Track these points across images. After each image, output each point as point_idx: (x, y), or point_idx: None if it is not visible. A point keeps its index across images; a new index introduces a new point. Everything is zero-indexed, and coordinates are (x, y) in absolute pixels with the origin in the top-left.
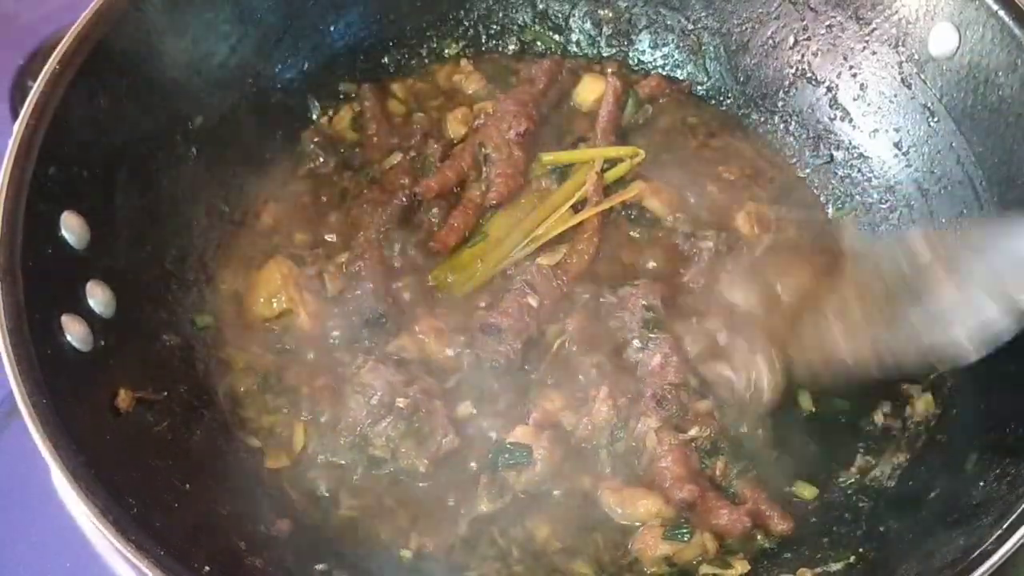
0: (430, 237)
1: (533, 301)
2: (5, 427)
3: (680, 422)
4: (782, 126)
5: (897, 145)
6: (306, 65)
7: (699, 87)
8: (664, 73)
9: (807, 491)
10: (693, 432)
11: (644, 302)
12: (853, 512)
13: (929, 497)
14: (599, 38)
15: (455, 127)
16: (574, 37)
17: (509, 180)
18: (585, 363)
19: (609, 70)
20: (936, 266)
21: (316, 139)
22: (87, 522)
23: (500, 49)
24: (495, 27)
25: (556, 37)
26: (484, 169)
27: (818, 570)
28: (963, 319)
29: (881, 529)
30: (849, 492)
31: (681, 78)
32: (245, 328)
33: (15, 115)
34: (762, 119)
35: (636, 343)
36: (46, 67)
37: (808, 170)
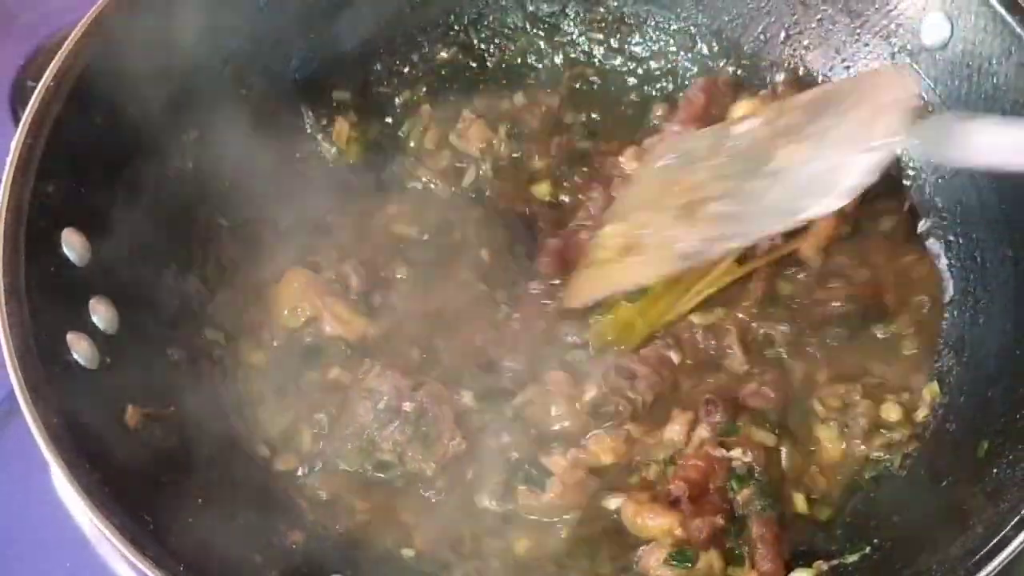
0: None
1: (675, 357)
2: (5, 427)
3: (726, 439)
4: None
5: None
6: (298, 75)
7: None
8: None
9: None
10: (735, 452)
11: None
12: (865, 503)
13: (942, 485)
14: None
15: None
16: (566, 39)
17: None
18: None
19: None
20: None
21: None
22: (87, 522)
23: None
24: (486, 32)
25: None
26: None
27: (834, 562)
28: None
29: (895, 519)
30: (859, 483)
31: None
32: (253, 338)
33: (15, 115)
34: None
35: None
36: (40, 83)
37: None
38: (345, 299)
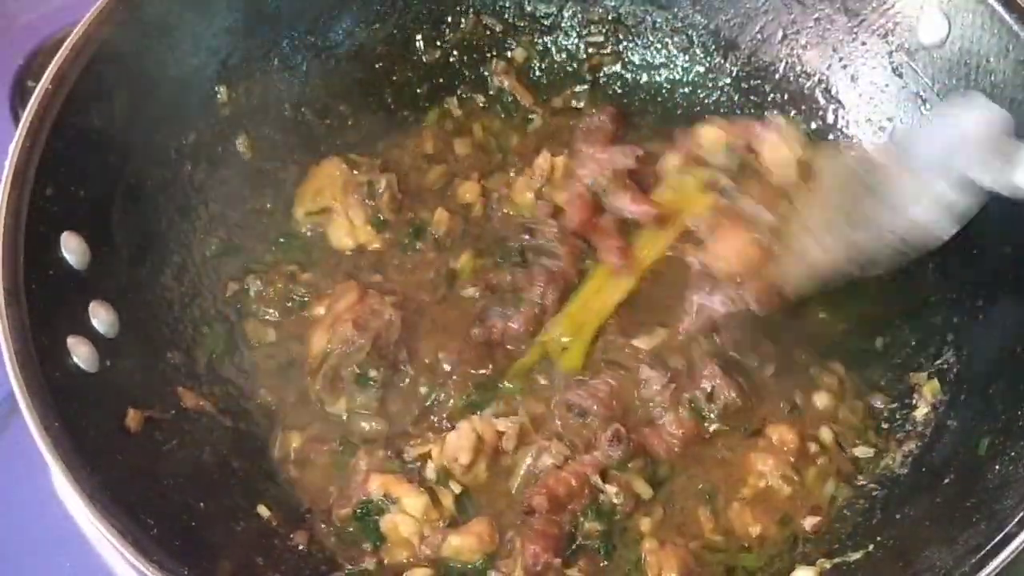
0: None
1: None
2: (4, 427)
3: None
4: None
5: (892, 135)
6: (296, 82)
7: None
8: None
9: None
10: (610, 488)
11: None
12: (868, 500)
13: (944, 483)
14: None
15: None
16: (561, 41)
17: (640, 202)
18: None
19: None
20: (889, 164)
21: None
22: (87, 522)
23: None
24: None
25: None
26: (604, 202)
27: (836, 560)
28: (917, 199)
29: (897, 516)
30: (861, 482)
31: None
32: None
33: (14, 115)
34: (754, 114)
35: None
36: (38, 86)
37: None
38: (365, 206)
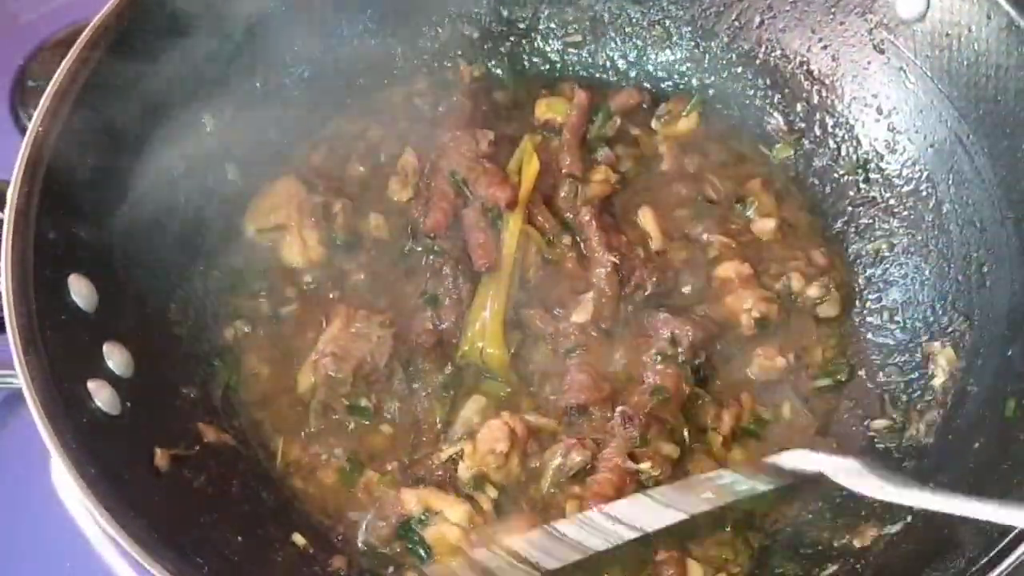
0: None
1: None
2: (3, 427)
3: (636, 452)
4: (759, 104)
5: (878, 110)
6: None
7: (670, 77)
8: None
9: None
10: (644, 466)
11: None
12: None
13: (974, 447)
14: (563, 39)
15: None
16: (539, 42)
17: (500, 186)
18: None
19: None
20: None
21: None
22: (87, 522)
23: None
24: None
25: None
26: (468, 193)
27: (873, 532)
28: None
29: (931, 486)
30: (888, 453)
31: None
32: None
33: (14, 114)
34: (739, 100)
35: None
36: (29, 128)
37: (791, 150)
38: (320, 225)
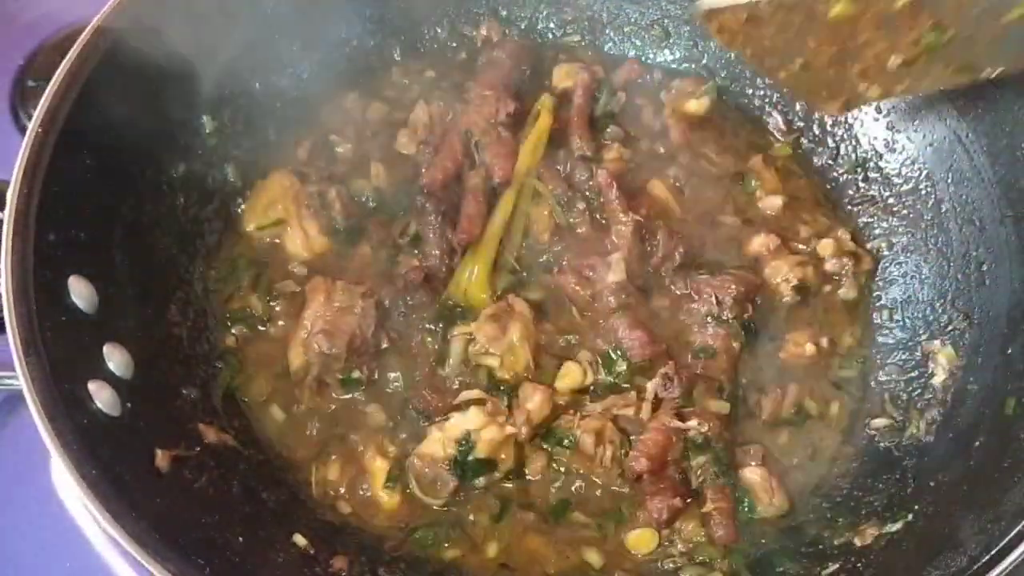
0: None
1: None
2: (3, 427)
3: (682, 411)
4: (757, 103)
5: (877, 109)
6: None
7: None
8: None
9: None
10: (691, 423)
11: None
12: (900, 471)
13: (975, 445)
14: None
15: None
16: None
17: (505, 160)
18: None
19: (578, 66)
20: None
21: None
22: (87, 522)
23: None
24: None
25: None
26: (476, 156)
27: (873, 531)
28: None
29: (931, 484)
30: (888, 452)
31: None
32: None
33: (14, 114)
34: (738, 99)
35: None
36: (29, 128)
37: (790, 149)
38: (319, 215)
